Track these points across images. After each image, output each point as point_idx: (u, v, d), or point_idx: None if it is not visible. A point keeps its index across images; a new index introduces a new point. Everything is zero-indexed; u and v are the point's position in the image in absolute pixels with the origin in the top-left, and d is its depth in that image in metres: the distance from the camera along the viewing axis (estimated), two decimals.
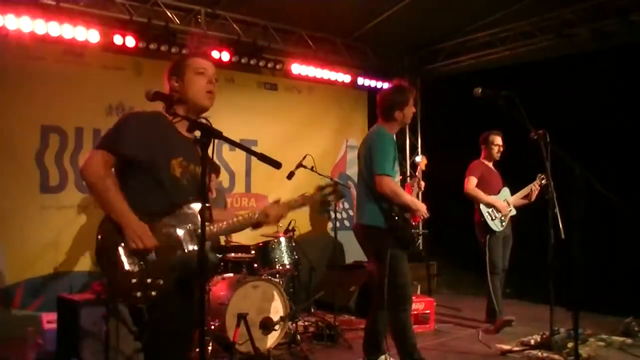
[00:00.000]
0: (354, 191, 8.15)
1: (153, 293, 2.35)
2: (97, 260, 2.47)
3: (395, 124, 4.25)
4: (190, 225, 2.51)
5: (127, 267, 2.35)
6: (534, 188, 5.66)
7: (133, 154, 2.46)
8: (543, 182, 5.47)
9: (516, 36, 7.09)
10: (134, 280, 2.33)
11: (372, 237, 4.13)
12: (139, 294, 2.33)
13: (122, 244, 2.37)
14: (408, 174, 7.86)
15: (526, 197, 5.78)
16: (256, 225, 2.76)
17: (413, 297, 5.42)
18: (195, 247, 2.46)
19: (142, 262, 2.38)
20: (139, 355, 3.89)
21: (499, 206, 5.68)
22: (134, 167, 2.48)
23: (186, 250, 2.47)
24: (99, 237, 2.42)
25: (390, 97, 4.23)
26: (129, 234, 2.36)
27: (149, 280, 2.35)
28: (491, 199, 5.68)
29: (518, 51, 7.14)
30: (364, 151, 4.20)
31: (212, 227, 2.57)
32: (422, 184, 4.58)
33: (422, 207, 4.20)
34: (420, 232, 7.19)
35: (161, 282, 2.37)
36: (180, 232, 2.49)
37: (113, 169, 2.50)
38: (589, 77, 6.56)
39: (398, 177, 4.21)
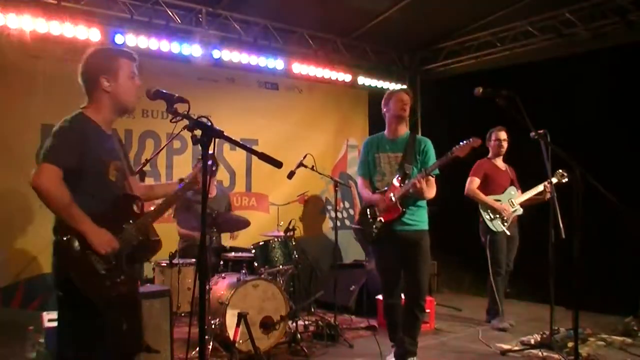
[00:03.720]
0: (354, 190, 8.18)
1: (123, 289, 2.57)
2: (61, 273, 2.59)
3: (387, 124, 4.54)
4: (131, 219, 2.70)
5: (101, 271, 2.53)
6: (548, 185, 5.37)
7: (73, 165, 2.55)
8: (563, 180, 5.33)
9: (516, 36, 7.09)
10: (108, 283, 2.54)
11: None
12: (114, 293, 2.55)
13: (89, 251, 2.52)
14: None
15: (540, 194, 5.61)
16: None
17: None
18: (141, 238, 2.70)
19: (110, 264, 2.56)
20: (139, 355, 3.91)
21: (497, 207, 5.62)
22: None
23: (135, 243, 2.68)
24: (61, 251, 2.61)
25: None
26: (95, 241, 2.52)
27: (119, 279, 2.57)
28: (489, 200, 5.63)
29: (518, 51, 7.15)
30: None
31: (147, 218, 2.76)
32: None
33: (376, 200, 4.36)
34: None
35: (123, 277, 2.58)
36: (127, 227, 2.67)
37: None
38: (588, 77, 6.55)
39: (393, 177, 4.33)
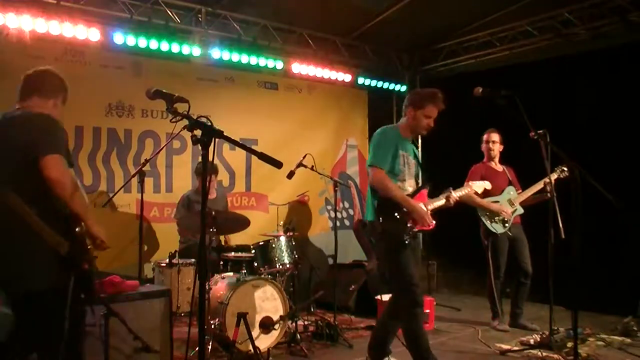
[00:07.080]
0: (354, 190, 8.18)
1: None
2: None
3: (406, 125, 4.12)
4: None
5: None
6: (548, 181, 5.15)
7: None
8: (562, 175, 5.23)
9: (515, 36, 7.10)
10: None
11: (369, 232, 4.11)
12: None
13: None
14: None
15: (541, 191, 5.47)
16: None
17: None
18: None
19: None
20: (139, 355, 3.90)
21: (494, 209, 5.56)
22: None
23: None
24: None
25: (410, 96, 4.16)
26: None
27: None
28: (485, 202, 5.56)
29: (517, 51, 7.15)
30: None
31: None
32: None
33: (419, 210, 3.91)
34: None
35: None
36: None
37: None
38: (588, 77, 6.56)
39: (410, 181, 4.07)
